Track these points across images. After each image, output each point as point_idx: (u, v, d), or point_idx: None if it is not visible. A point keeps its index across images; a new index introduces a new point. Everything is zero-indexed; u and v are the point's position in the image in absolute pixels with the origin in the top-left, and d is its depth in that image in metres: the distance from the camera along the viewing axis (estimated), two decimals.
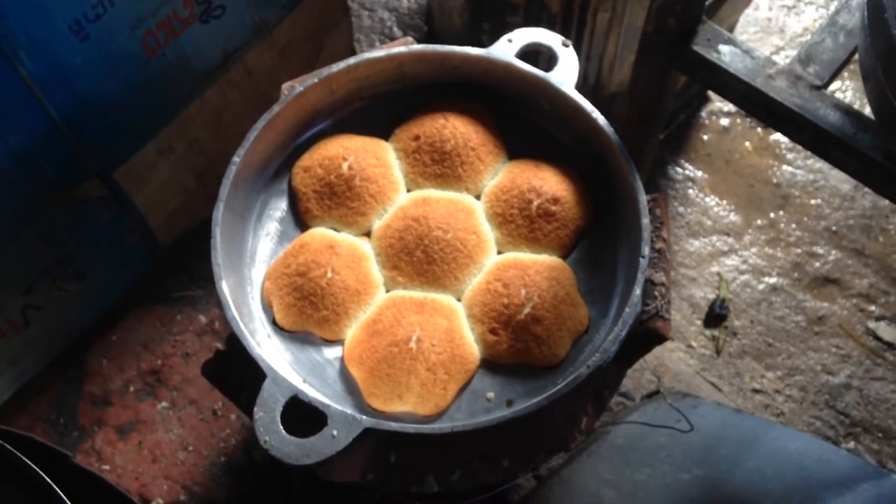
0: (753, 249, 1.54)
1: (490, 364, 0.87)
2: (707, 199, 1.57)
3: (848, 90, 1.67)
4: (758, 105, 0.98)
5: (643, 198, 0.88)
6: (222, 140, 1.32)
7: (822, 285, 1.51)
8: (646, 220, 0.87)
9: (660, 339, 0.90)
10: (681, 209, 1.56)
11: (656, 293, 0.89)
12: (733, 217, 1.56)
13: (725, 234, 1.55)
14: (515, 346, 0.86)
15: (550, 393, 0.79)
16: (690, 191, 1.57)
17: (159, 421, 1.27)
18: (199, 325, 1.36)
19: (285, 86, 0.98)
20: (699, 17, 0.97)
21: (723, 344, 1.45)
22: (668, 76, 0.98)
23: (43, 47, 0.99)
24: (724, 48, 0.97)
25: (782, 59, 1.70)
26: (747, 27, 1.74)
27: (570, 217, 0.93)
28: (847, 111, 0.96)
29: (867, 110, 0.99)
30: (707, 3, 0.94)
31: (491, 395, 0.85)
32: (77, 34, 1.00)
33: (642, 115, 1.04)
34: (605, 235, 0.94)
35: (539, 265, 0.90)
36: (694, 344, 1.45)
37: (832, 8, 0.97)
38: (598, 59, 1.32)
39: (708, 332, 1.46)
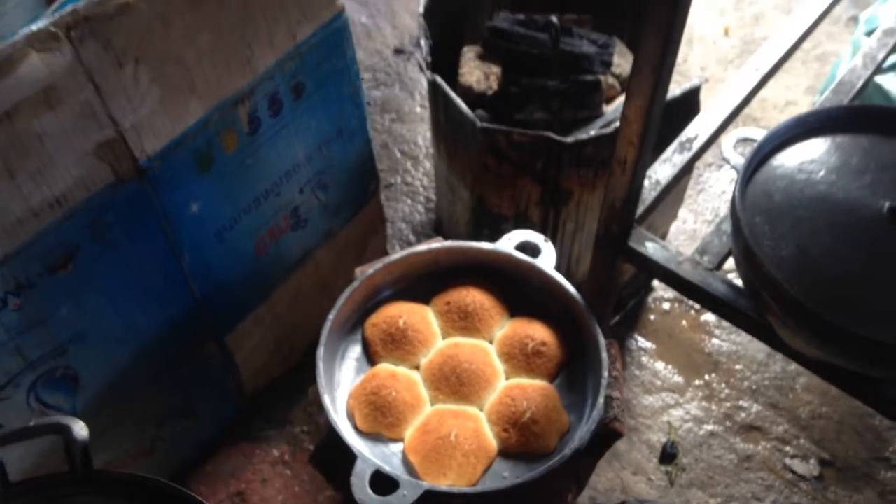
0: (694, 403, 1.75)
1: (504, 453, 1.12)
2: (656, 365, 1.82)
3: (729, 268, 1.92)
4: (674, 281, 1.27)
5: (602, 341, 1.15)
6: (296, 315, 1.56)
7: (748, 431, 1.71)
8: (604, 355, 1.14)
9: (618, 435, 1.16)
10: (637, 372, 1.80)
11: (614, 404, 1.15)
12: (677, 378, 1.79)
13: (672, 391, 1.77)
14: (520, 440, 1.11)
15: (546, 467, 1.06)
16: (643, 358, 1.83)
17: None
18: (272, 457, 1.60)
19: (358, 270, 1.29)
20: (632, 224, 1.28)
21: (675, 477, 1.65)
22: (615, 263, 1.32)
23: (197, 248, 1.28)
24: (649, 244, 1.28)
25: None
26: (678, 235, 2.06)
27: (554, 355, 1.20)
28: (730, 285, 1.24)
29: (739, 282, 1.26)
30: (637, 216, 1.28)
31: (506, 473, 1.10)
32: (218, 239, 1.31)
33: (600, 290, 1.37)
34: (578, 367, 1.20)
35: (534, 387, 1.16)
36: (652, 477, 1.66)
37: (720, 216, 1.37)
38: (568, 256, 1.70)
39: (663, 468, 1.67)
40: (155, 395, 1.37)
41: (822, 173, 1.21)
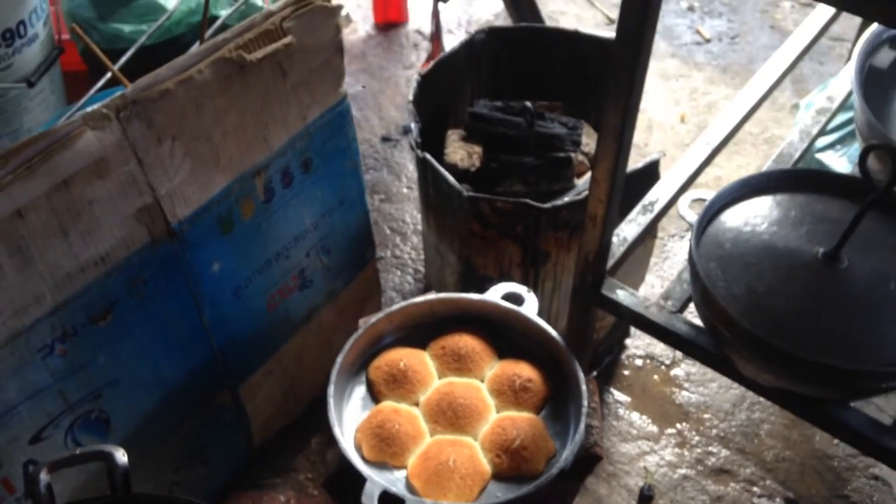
0: (668, 450, 1.86)
1: (497, 476, 1.22)
2: (632, 416, 1.93)
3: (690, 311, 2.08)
4: (642, 324, 1.39)
5: (582, 376, 1.27)
6: (301, 369, 1.65)
7: (718, 474, 1.81)
8: (584, 388, 1.26)
9: (597, 459, 1.28)
10: (614, 422, 1.91)
11: (593, 432, 1.26)
12: (651, 427, 1.90)
13: (647, 439, 1.88)
14: (511, 465, 1.22)
15: (535, 485, 1.19)
16: (620, 410, 1.94)
17: None
18: (279, 503, 1.68)
19: (362, 320, 1.42)
20: (604, 275, 1.43)
21: None
22: (590, 309, 1.46)
23: (216, 303, 1.38)
24: (619, 292, 1.43)
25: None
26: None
27: (538, 390, 1.31)
28: (692, 325, 1.37)
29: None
30: (608, 268, 1.43)
31: (499, 494, 1.20)
32: (234, 296, 1.42)
33: (578, 334, 1.50)
34: (561, 400, 1.31)
35: (523, 418, 1.27)
36: None
37: (681, 267, 1.54)
38: (546, 313, 1.85)
39: None
40: (174, 441, 1.45)
41: (765, 226, 1.38)
